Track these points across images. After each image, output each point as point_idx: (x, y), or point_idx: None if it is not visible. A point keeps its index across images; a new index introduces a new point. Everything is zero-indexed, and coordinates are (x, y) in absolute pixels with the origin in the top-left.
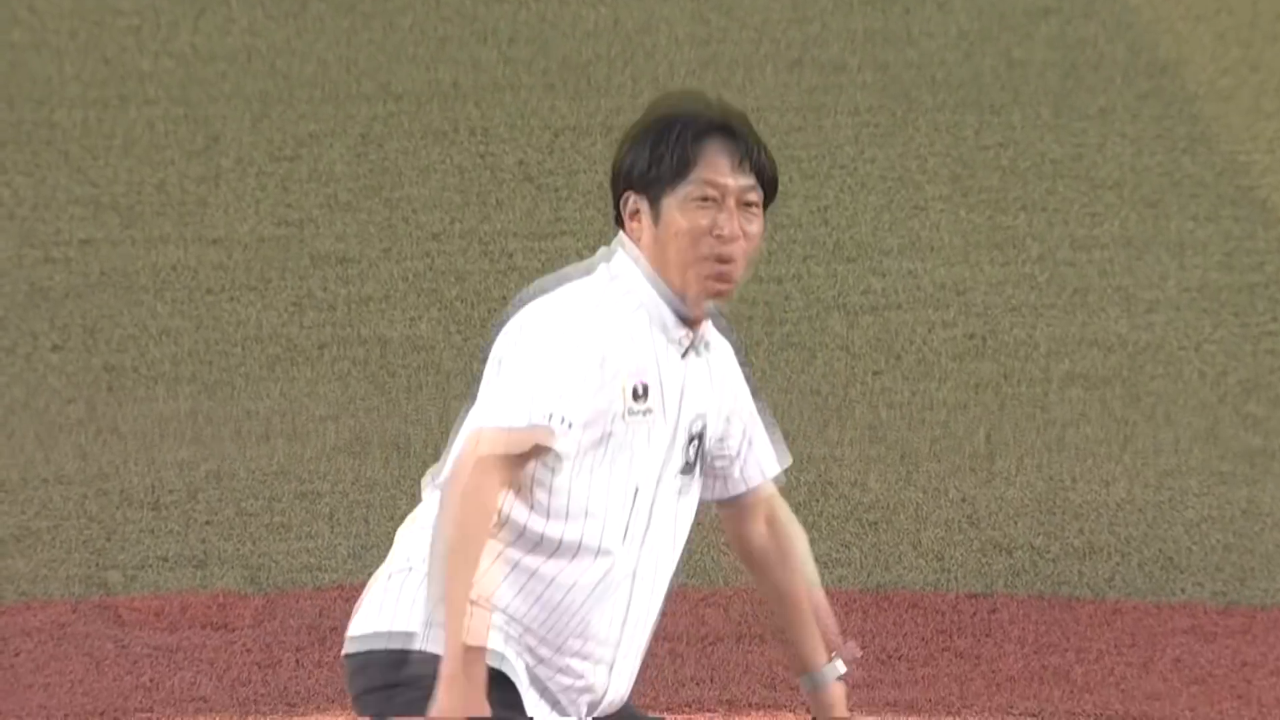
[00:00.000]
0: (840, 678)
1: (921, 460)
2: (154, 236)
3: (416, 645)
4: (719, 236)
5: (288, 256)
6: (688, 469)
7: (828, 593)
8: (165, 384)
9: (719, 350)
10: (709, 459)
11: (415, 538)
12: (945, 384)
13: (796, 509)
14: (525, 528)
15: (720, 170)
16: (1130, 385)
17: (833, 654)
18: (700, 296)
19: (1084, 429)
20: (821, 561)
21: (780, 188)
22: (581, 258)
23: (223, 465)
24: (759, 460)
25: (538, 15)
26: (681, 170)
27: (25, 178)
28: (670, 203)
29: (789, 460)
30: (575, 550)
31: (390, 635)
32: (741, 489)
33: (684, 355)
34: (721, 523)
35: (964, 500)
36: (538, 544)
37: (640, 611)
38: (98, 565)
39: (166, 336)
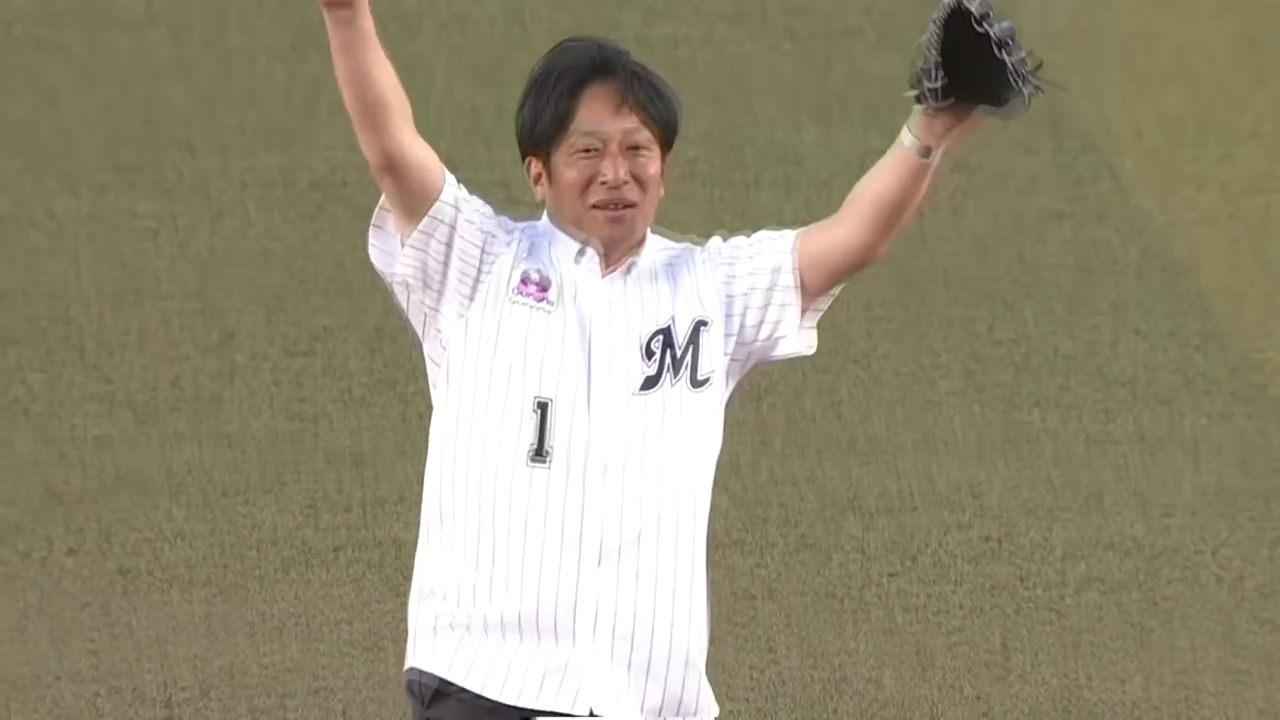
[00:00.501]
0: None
1: (937, 658)
2: (169, 433)
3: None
4: (604, 184)
5: (301, 454)
6: (651, 383)
7: None
8: (180, 587)
9: (678, 265)
10: (700, 356)
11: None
12: (961, 587)
13: (810, 705)
14: (432, 470)
15: (600, 117)
16: (1147, 589)
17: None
18: (602, 241)
19: (1100, 631)
20: None
21: (794, 383)
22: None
23: (235, 662)
24: (812, 255)
25: None
26: (561, 124)
27: (40, 374)
28: (558, 158)
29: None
30: (480, 471)
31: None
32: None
33: (606, 277)
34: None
35: (979, 698)
36: (441, 471)
37: (617, 566)
38: None
39: (181, 539)
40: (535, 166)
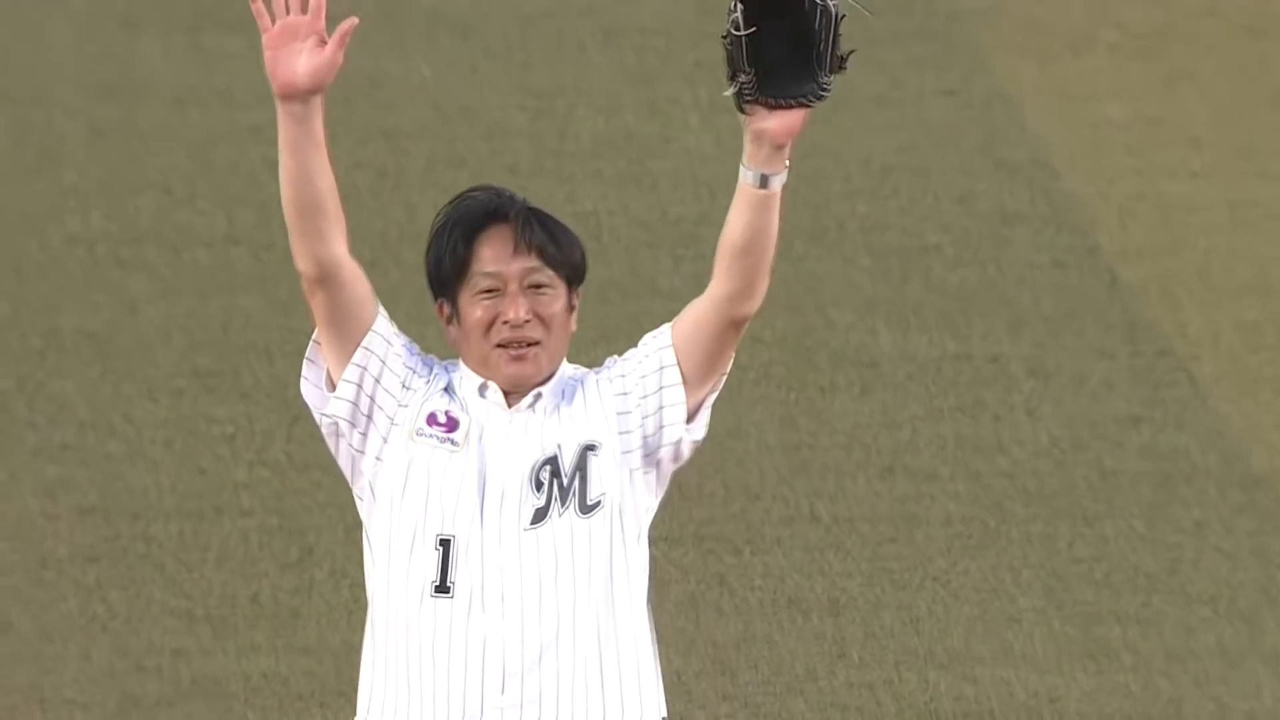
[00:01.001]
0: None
1: None
2: (246, 645)
3: None
4: (506, 323)
5: None
6: (541, 515)
7: None
8: None
9: (571, 392)
10: (589, 480)
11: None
12: None
13: None
14: (369, 599)
15: (498, 259)
16: None
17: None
18: (506, 379)
19: None
20: None
21: (872, 598)
22: (672, 663)
23: None
24: (687, 371)
25: None
26: (461, 268)
27: (120, 592)
28: (462, 300)
29: (663, 340)
30: (394, 604)
31: None
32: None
33: (510, 410)
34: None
35: None
36: (369, 601)
37: (520, 689)
38: None
39: None
40: (445, 309)
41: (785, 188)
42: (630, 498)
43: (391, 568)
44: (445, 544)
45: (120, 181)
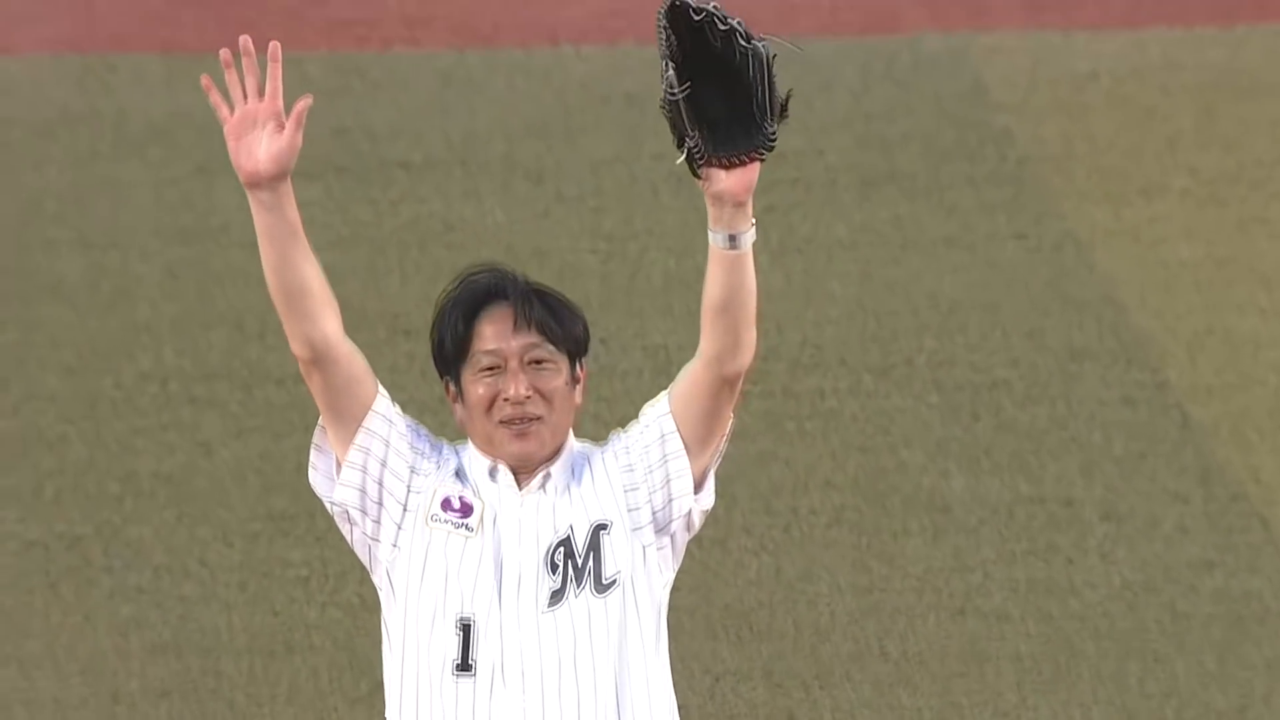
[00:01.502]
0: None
1: None
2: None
3: None
4: (507, 400)
5: None
6: (557, 596)
7: None
8: None
9: (580, 470)
10: (603, 559)
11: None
12: None
13: None
14: (385, 680)
15: (498, 336)
16: None
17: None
18: (511, 456)
19: None
20: None
21: None
22: None
23: None
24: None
25: (700, 564)
26: (463, 346)
27: None
28: (465, 379)
29: (661, 407)
30: (413, 686)
31: None
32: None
33: (522, 492)
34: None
35: None
36: (388, 682)
37: None
38: None
39: None
40: (450, 389)
41: (851, 322)
42: (644, 573)
43: (409, 647)
44: (466, 626)
45: (192, 318)
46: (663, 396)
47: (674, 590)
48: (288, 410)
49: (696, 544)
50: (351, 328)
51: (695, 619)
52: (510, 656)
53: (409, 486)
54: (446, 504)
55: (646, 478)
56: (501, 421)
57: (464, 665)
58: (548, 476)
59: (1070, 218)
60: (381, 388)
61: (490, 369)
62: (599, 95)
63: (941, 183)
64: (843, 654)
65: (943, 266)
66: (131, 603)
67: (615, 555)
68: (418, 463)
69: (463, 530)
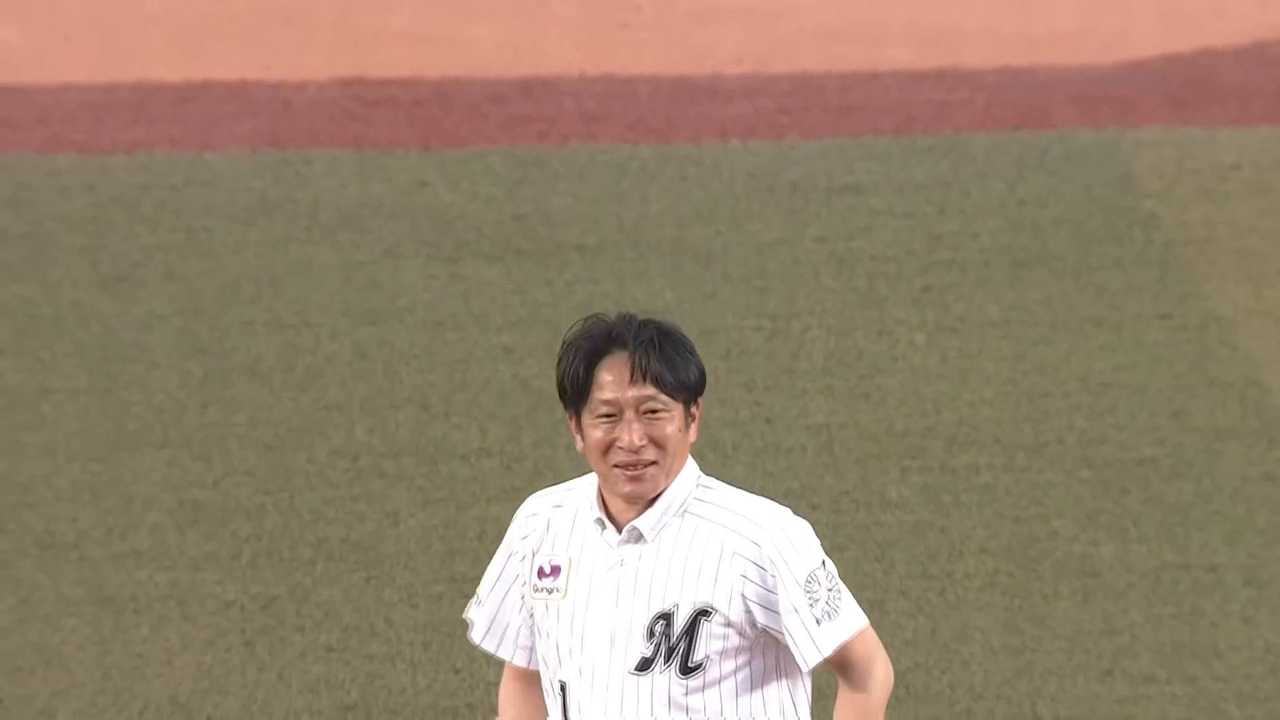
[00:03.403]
0: None
1: None
2: None
3: None
4: (622, 448)
5: None
6: (646, 664)
7: None
8: None
9: (705, 540)
10: (695, 645)
11: None
12: None
13: None
14: None
15: (615, 386)
16: None
17: None
18: (625, 496)
19: None
20: None
21: None
22: None
23: None
24: (793, 654)
25: None
26: (582, 391)
27: None
28: (585, 419)
29: (825, 651)
30: None
31: None
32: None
33: (619, 547)
34: None
35: None
36: None
37: None
38: None
39: None
40: (572, 421)
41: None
42: (732, 659)
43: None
44: (563, 687)
45: (381, 398)
46: (806, 656)
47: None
48: (470, 483)
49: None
50: (531, 408)
51: None
52: (597, 708)
53: (522, 597)
54: (540, 572)
55: (763, 621)
56: (616, 465)
57: None
58: (636, 532)
59: (1213, 298)
60: (500, 631)
61: (607, 416)
62: (765, 184)
63: (1090, 264)
64: (996, 715)
65: (1091, 345)
66: (322, 662)
67: (708, 641)
68: (514, 580)
69: (555, 595)
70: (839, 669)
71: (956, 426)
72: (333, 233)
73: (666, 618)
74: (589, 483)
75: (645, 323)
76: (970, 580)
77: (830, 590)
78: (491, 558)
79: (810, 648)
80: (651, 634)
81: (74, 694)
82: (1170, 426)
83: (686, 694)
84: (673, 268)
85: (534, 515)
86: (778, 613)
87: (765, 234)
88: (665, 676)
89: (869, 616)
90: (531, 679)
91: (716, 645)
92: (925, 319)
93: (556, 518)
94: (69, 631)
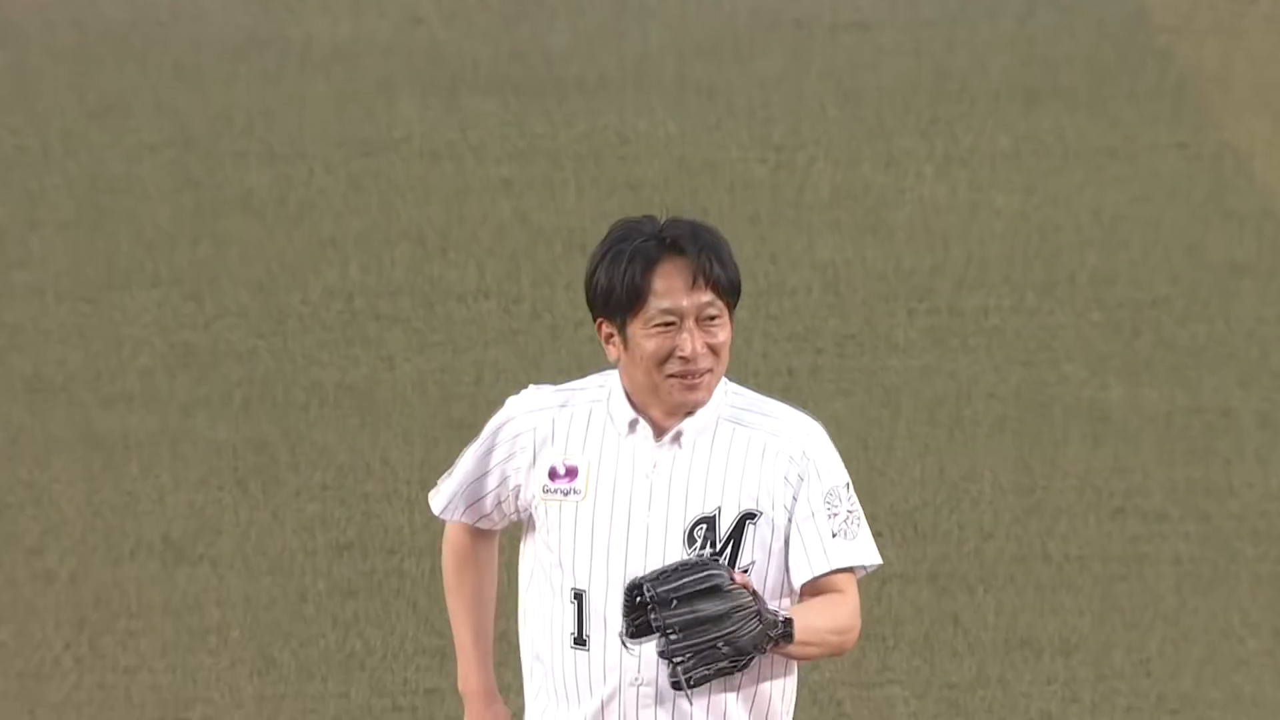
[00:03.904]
0: None
1: None
2: (499, 687)
3: None
4: (682, 357)
5: None
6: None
7: None
8: None
9: (744, 444)
10: (741, 550)
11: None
12: None
13: None
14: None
15: (675, 293)
16: None
17: None
18: (674, 407)
19: None
20: None
21: (1104, 637)
22: (908, 705)
23: None
24: (792, 562)
25: (866, 464)
26: (637, 298)
27: (375, 628)
28: (634, 329)
29: (837, 564)
30: (537, 651)
31: None
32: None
33: (656, 446)
34: None
35: None
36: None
37: None
38: None
39: None
40: (606, 328)
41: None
42: (775, 563)
43: (534, 619)
44: (579, 597)
45: (376, 233)
46: (800, 571)
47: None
48: (468, 326)
49: (862, 448)
50: (529, 244)
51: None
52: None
53: (516, 495)
54: (553, 473)
55: (786, 529)
56: (672, 375)
57: (579, 639)
58: (681, 432)
59: (1230, 129)
60: (480, 499)
61: (665, 325)
62: (768, 21)
63: (1103, 95)
64: (1006, 556)
65: (1105, 177)
66: (316, 501)
67: (754, 546)
68: (508, 474)
69: (572, 496)
70: (815, 591)
71: (965, 264)
72: (326, 67)
73: (708, 521)
74: (599, 384)
75: (695, 225)
76: (978, 425)
77: (850, 513)
78: (481, 430)
79: (819, 556)
80: (692, 539)
81: (64, 532)
82: (1185, 263)
83: None
84: (675, 101)
85: (536, 411)
86: (793, 519)
87: (769, 69)
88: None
89: (875, 457)
90: (485, 536)
91: (762, 550)
92: (934, 150)
93: (562, 417)
94: (58, 470)
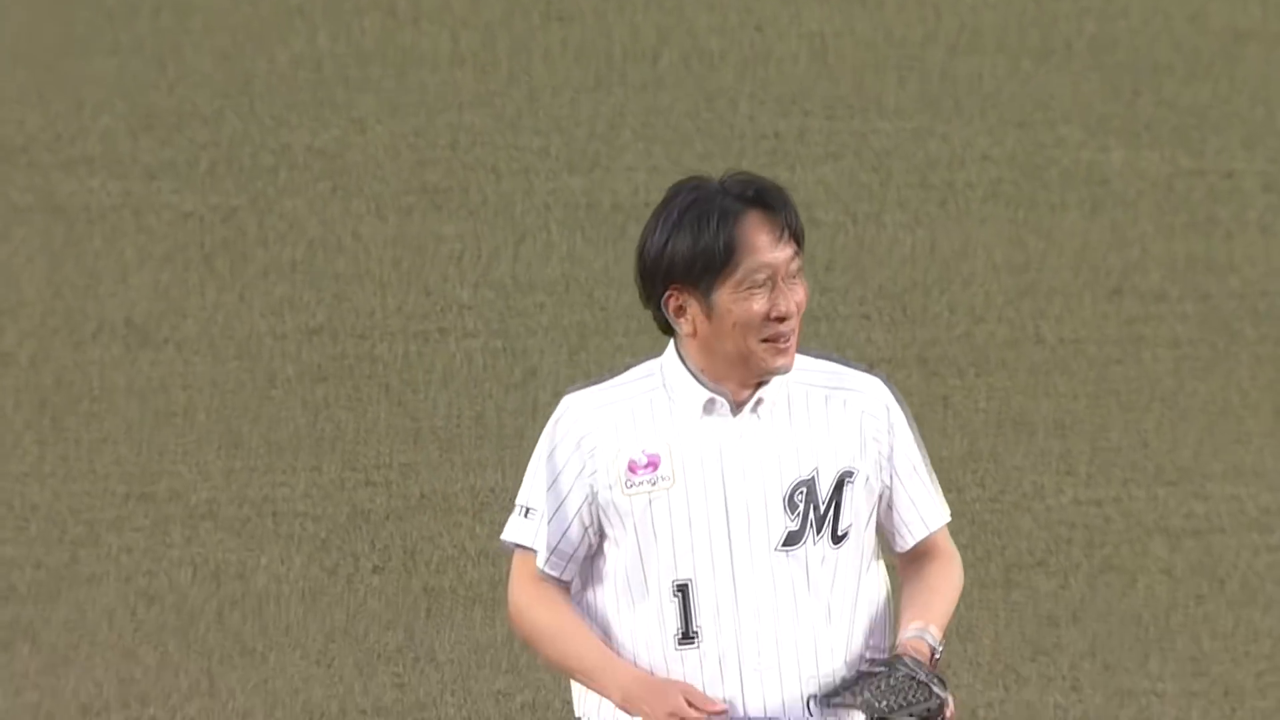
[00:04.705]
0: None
1: (1246, 696)
2: (472, 461)
3: None
4: (777, 318)
5: None
6: (794, 538)
7: None
8: (483, 606)
9: (822, 401)
10: (843, 510)
11: None
12: (1270, 613)
13: None
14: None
15: (765, 250)
16: None
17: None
18: (758, 376)
19: None
20: None
21: (1099, 418)
22: None
23: (538, 696)
24: (905, 521)
25: (855, 240)
26: (729, 259)
27: (347, 411)
28: (722, 294)
29: (944, 517)
30: (632, 656)
31: None
32: (901, 546)
33: (737, 419)
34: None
35: None
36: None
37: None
38: None
39: (485, 559)
40: (678, 300)
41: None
42: (870, 524)
43: (624, 624)
44: (683, 590)
45: (345, 2)
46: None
47: (826, 269)
48: (442, 89)
49: (851, 220)
50: (505, 13)
51: (849, 301)
52: (745, 609)
53: (596, 498)
54: (633, 465)
55: (883, 485)
56: (765, 339)
57: (687, 635)
58: (760, 401)
59: None
60: (554, 537)
61: (761, 284)
62: None
63: None
64: (997, 338)
65: None
66: (286, 281)
67: (854, 507)
68: (584, 484)
69: (662, 484)
70: (918, 556)
71: (958, 33)
72: None
73: (806, 485)
74: (642, 375)
75: (762, 179)
76: (972, 190)
77: (928, 466)
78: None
79: (932, 510)
80: (793, 504)
81: (23, 313)
82: (1187, 30)
83: (834, 567)
84: None
85: (595, 410)
86: (897, 476)
87: None
88: (818, 548)
89: (865, 231)
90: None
91: (861, 510)
92: None
93: (622, 411)
94: (18, 243)
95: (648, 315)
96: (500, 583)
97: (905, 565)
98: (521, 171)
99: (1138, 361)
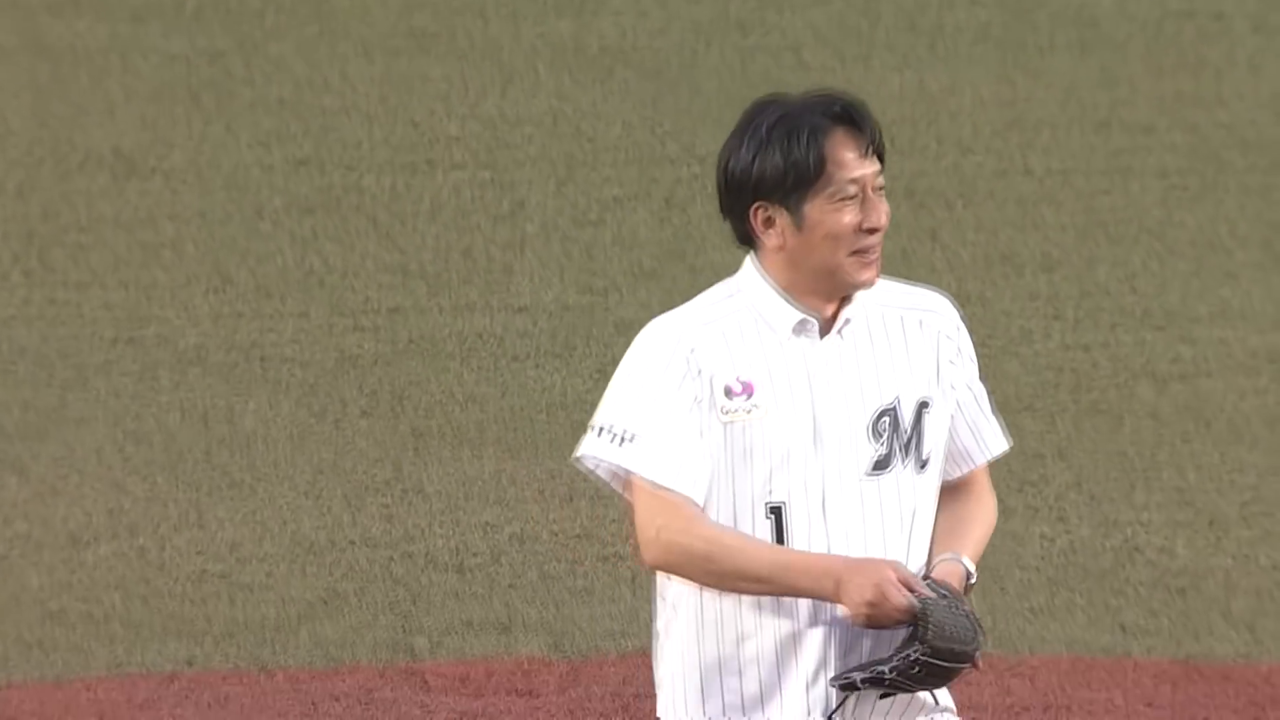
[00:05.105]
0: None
1: (1231, 526)
2: (460, 304)
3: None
4: (868, 229)
5: (592, 324)
6: (882, 464)
7: (1137, 663)
8: (470, 447)
9: (897, 327)
10: (924, 438)
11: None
12: (1256, 449)
13: (1102, 575)
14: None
15: (853, 164)
16: None
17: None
18: (843, 290)
19: None
20: (1129, 630)
21: (1087, 253)
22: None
23: (526, 528)
24: (965, 448)
25: (843, 80)
26: (818, 172)
27: (334, 244)
28: (812, 206)
29: (1004, 446)
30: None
31: None
32: (951, 475)
33: (824, 341)
34: None
35: (1275, 568)
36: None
37: (842, 636)
38: (404, 630)
39: (472, 402)
40: (764, 213)
41: None
42: (944, 451)
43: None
44: (776, 512)
45: None
46: (972, 458)
47: None
48: None
49: (840, 62)
50: None
51: None
52: (835, 531)
53: (702, 418)
54: (729, 391)
55: (955, 411)
56: (854, 251)
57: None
58: (847, 321)
59: None
60: (685, 466)
61: (851, 197)
62: None
63: None
64: (986, 171)
65: None
66: (273, 115)
67: (934, 435)
68: (696, 405)
69: (756, 411)
70: (959, 488)
71: None
72: None
73: (889, 413)
74: (727, 294)
75: (846, 94)
76: (961, 33)
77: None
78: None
79: (993, 437)
80: (877, 433)
81: (9, 143)
82: None
83: (917, 493)
84: None
85: (695, 328)
86: (960, 402)
87: None
88: (908, 474)
89: (853, 72)
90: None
91: (939, 438)
92: None
93: (714, 334)
94: (2, 81)
95: (637, 146)
96: (487, 425)
97: (941, 496)
98: (509, 16)
99: (1125, 192)
